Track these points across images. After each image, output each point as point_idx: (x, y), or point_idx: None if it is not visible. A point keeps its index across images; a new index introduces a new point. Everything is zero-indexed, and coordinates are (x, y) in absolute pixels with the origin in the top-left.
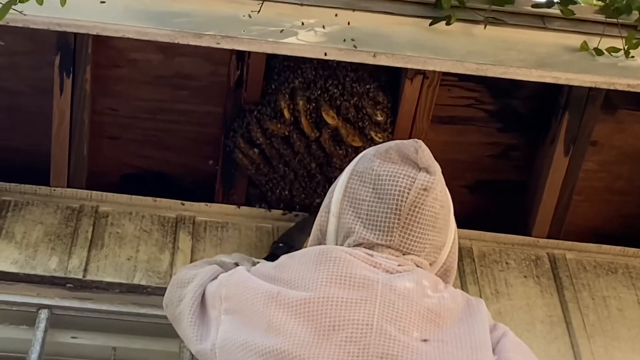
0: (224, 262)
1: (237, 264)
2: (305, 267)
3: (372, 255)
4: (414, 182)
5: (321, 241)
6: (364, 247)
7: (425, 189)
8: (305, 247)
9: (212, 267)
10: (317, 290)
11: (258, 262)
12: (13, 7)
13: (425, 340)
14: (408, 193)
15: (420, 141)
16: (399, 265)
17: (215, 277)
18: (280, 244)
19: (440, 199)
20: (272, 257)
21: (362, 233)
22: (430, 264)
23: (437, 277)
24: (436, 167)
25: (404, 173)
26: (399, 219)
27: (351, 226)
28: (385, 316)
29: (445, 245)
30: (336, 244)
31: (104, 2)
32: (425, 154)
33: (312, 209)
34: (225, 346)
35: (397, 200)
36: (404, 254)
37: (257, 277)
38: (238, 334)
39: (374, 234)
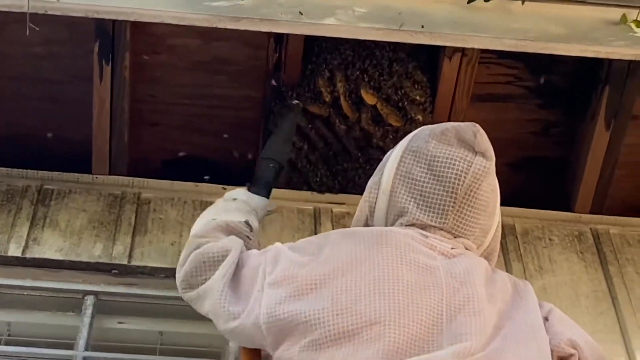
0: (235, 223)
1: (247, 222)
2: (365, 247)
3: (426, 237)
4: (470, 167)
5: (368, 218)
6: (417, 227)
7: (481, 174)
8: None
9: (232, 240)
10: (386, 269)
11: (258, 213)
12: None
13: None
14: (465, 177)
15: (478, 125)
16: (452, 249)
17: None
18: (271, 165)
19: (492, 184)
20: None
21: (416, 214)
22: (477, 247)
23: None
24: (492, 153)
25: (460, 156)
26: (454, 203)
27: (404, 205)
28: (453, 303)
29: (492, 229)
30: (386, 222)
31: None
32: (483, 139)
33: (353, 191)
34: (273, 320)
35: (454, 183)
36: (455, 237)
37: (305, 256)
38: (292, 306)
39: (428, 216)
